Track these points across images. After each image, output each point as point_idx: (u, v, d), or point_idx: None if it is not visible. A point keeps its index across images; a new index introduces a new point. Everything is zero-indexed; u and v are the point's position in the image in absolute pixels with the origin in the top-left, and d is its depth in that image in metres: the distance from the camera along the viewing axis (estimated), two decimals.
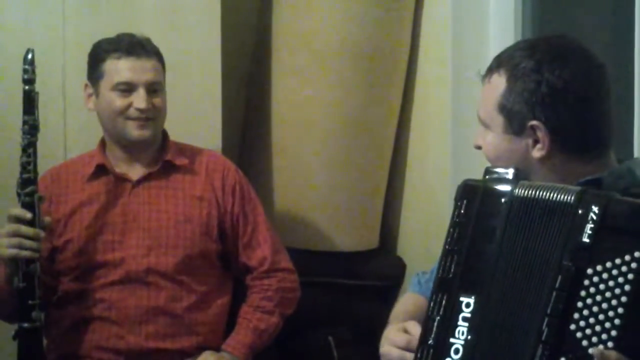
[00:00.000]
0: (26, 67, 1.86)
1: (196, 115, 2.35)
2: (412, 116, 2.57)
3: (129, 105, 1.97)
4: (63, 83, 2.22)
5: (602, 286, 1.19)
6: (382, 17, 2.44)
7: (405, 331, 1.37)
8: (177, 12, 2.34)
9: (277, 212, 2.51)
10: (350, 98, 2.46)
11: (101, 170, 2.05)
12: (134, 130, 1.99)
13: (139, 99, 1.96)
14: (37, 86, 1.88)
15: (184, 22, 2.34)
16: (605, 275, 1.19)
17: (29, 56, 1.86)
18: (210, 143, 2.32)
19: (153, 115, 2.00)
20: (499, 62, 1.36)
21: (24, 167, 1.85)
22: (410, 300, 1.58)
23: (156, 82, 2.00)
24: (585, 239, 1.20)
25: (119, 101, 1.98)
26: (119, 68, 1.97)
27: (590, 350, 1.18)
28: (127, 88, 1.97)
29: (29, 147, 1.86)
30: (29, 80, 1.86)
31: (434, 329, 1.28)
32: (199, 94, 2.36)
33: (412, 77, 2.55)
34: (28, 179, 1.85)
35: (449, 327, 1.27)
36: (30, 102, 1.86)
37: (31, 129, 1.86)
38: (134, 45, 1.98)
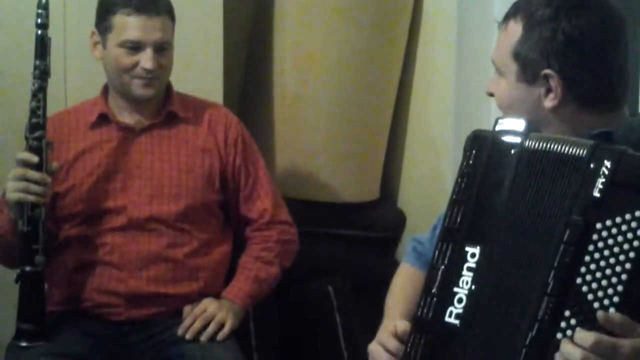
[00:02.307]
0: (40, 11, 1.82)
1: (197, 66, 2.32)
2: (415, 68, 2.55)
3: (136, 64, 1.95)
4: (64, 29, 2.19)
5: (610, 241, 1.18)
6: None
7: (396, 335, 1.37)
8: None
9: (278, 163, 2.50)
10: (352, 50, 2.42)
11: (103, 118, 2.03)
12: (138, 89, 1.97)
13: (146, 59, 1.93)
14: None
15: None
16: (614, 231, 1.18)
17: (43, 0, 1.83)
18: (211, 94, 2.29)
19: (159, 75, 1.98)
20: (516, 9, 1.34)
21: (33, 112, 1.83)
22: (408, 280, 1.56)
23: (165, 42, 1.97)
24: (596, 194, 1.19)
25: (125, 59, 1.95)
26: (128, 25, 1.93)
27: (597, 305, 1.17)
28: (135, 46, 1.94)
29: (39, 92, 1.83)
30: (42, 25, 1.83)
31: (438, 278, 1.28)
32: (200, 45, 2.33)
33: (417, 29, 2.51)
34: (37, 123, 1.83)
35: (453, 277, 1.27)
36: (42, 46, 1.83)
37: (42, 74, 1.84)
38: (146, 1, 1.94)
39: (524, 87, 1.34)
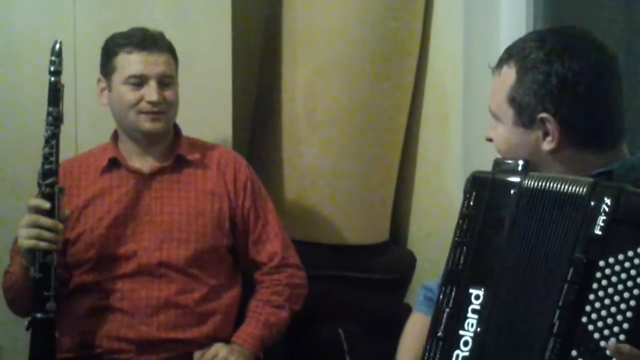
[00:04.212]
0: (53, 58, 1.85)
1: (206, 109, 2.35)
2: (423, 108, 2.56)
3: (141, 99, 1.98)
4: (74, 77, 2.22)
5: (614, 278, 1.18)
6: (393, 9, 2.43)
7: None
8: (188, 4, 2.34)
9: (287, 205, 2.51)
10: (360, 90, 2.44)
11: (114, 163, 2.05)
12: (145, 123, 2.00)
13: (151, 92, 1.97)
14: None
15: (195, 15, 2.34)
16: (617, 268, 1.18)
17: (56, 48, 1.86)
18: (221, 137, 2.32)
19: (164, 109, 2.01)
20: (509, 54, 1.36)
21: (45, 158, 1.85)
22: (420, 330, 1.52)
23: (167, 75, 2.01)
24: (597, 231, 1.20)
25: (130, 94, 1.99)
26: (131, 61, 1.98)
27: (604, 344, 1.17)
28: (139, 81, 1.98)
29: (52, 139, 1.85)
30: (56, 72, 1.85)
31: (443, 321, 1.28)
32: (209, 88, 2.36)
33: (424, 68, 2.53)
34: (49, 170, 1.85)
35: (458, 319, 1.27)
36: (55, 93, 1.86)
37: (55, 120, 1.86)
38: (146, 40, 1.99)
39: (521, 131, 1.35)
